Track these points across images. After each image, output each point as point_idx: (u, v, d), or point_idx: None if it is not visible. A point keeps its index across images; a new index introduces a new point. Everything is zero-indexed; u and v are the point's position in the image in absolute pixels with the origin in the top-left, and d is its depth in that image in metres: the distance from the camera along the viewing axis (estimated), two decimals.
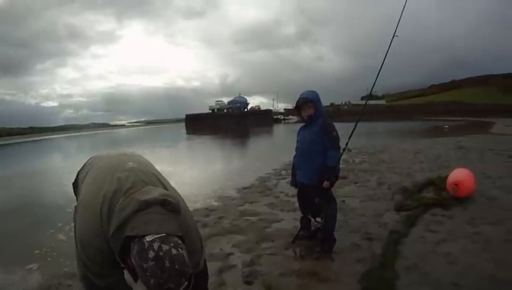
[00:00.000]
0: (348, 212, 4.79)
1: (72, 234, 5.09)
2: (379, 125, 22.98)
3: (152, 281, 1.34)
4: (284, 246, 3.86)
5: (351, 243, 3.75)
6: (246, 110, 71.17)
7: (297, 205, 4.55)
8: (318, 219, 3.78)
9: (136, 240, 1.40)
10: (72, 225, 4.75)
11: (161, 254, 1.36)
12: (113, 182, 1.64)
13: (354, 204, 5.19)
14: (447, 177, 5.22)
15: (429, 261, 3.20)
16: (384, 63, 3.80)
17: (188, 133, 44.67)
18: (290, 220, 4.65)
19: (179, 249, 1.41)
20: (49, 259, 4.21)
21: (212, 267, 2.68)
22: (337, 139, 3.46)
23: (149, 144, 27.11)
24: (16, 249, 4.62)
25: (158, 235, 1.40)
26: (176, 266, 1.37)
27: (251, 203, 5.83)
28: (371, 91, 4.42)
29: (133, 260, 1.40)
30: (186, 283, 1.43)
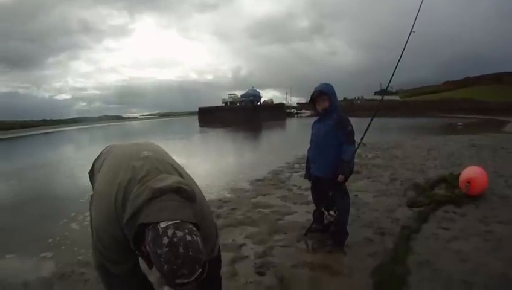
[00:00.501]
0: (360, 206, 4.78)
1: (86, 223, 5.17)
2: (393, 121, 22.65)
3: (166, 267, 1.34)
4: (296, 238, 3.87)
5: (363, 238, 3.75)
6: (258, 103, 70.72)
7: (310, 198, 4.53)
8: (331, 213, 3.77)
9: (150, 227, 1.40)
10: (86, 214, 4.84)
11: (175, 240, 1.35)
12: (128, 170, 1.65)
13: (367, 199, 5.18)
14: (459, 174, 5.17)
15: (441, 258, 3.17)
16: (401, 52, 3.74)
17: (201, 125, 44.82)
18: (303, 213, 4.66)
19: (193, 236, 1.40)
20: (62, 247, 4.24)
21: (224, 257, 2.69)
22: (352, 133, 3.42)
23: (162, 136, 27.11)
24: (29, 238, 4.61)
25: (172, 222, 1.40)
26: (190, 253, 1.36)
27: (264, 195, 5.85)
28: (387, 87, 4.35)
29: (147, 247, 1.40)
30: (200, 270, 1.41)
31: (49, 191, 7.93)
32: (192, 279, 1.39)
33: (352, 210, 3.83)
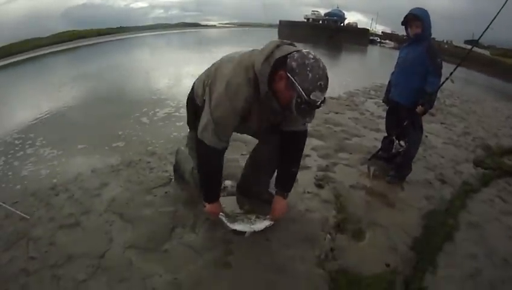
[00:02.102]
0: (428, 148, 4.55)
1: (155, 118, 5.15)
2: (478, 76, 20.20)
3: (311, 75, 1.64)
4: (360, 161, 3.83)
5: (423, 179, 3.61)
6: (342, 24, 65.61)
7: (381, 126, 4.38)
8: (402, 143, 3.60)
9: (294, 53, 1.71)
10: (157, 110, 5.42)
11: (317, 57, 1.70)
12: (249, 54, 1.91)
13: (436, 143, 4.88)
14: None
15: (490, 227, 2.92)
16: (502, 9, 3.08)
17: (280, 38, 43.04)
18: (371, 139, 4.53)
19: None
20: (134, 138, 4.35)
21: None
22: (440, 65, 3.10)
23: (240, 47, 25.56)
24: (102, 132, 4.65)
25: (309, 50, 1.74)
26: (326, 71, 1.69)
27: (336, 113, 5.70)
28: (479, 38, 3.50)
29: (292, 63, 1.67)
30: (324, 97, 1.74)
31: (121, 91, 7.90)
32: (321, 99, 1.71)
33: (419, 149, 3.66)
